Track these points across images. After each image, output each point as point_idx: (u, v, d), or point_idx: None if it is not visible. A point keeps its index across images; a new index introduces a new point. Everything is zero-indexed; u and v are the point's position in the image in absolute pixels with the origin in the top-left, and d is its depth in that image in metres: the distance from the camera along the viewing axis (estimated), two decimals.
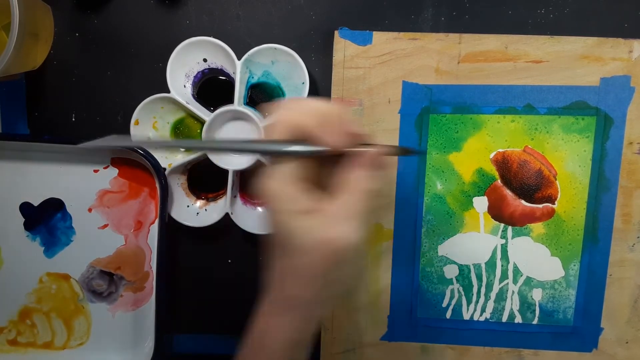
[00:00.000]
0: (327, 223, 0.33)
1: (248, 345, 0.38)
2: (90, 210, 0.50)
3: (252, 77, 0.48)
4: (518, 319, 0.50)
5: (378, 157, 0.35)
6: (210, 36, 0.47)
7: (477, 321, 0.50)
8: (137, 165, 0.50)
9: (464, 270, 0.50)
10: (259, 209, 0.50)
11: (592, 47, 0.47)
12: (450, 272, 0.50)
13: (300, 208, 0.33)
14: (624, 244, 0.49)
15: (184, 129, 0.49)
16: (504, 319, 0.50)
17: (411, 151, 0.46)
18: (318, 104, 0.34)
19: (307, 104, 0.35)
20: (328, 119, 0.34)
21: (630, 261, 0.49)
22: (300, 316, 0.35)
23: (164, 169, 0.48)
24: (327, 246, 0.32)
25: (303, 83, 0.46)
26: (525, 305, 0.50)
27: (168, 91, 0.47)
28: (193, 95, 0.49)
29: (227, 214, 0.48)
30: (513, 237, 0.49)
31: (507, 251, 0.49)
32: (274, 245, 0.34)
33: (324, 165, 0.35)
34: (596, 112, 0.47)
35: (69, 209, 0.50)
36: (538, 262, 0.49)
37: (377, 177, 0.34)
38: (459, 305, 0.50)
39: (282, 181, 0.33)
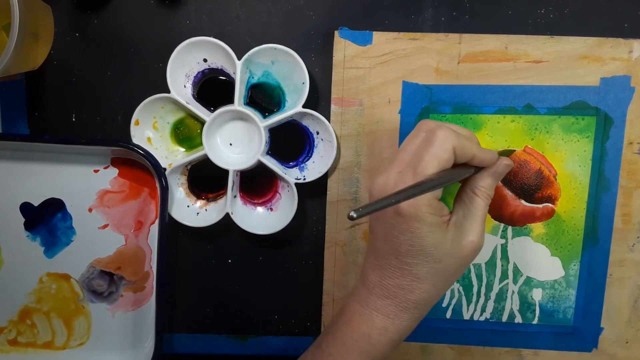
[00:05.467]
0: (465, 229, 0.38)
1: (336, 344, 0.40)
2: (90, 210, 0.50)
3: (252, 77, 0.48)
4: (518, 319, 0.50)
5: (507, 167, 0.41)
6: (210, 36, 0.47)
7: (477, 321, 0.50)
8: (138, 165, 0.50)
9: None
10: (259, 209, 0.50)
11: (592, 47, 0.47)
12: None
13: (443, 219, 0.38)
14: (624, 244, 0.49)
15: (184, 129, 0.49)
16: (504, 318, 0.50)
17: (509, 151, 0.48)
18: (462, 128, 0.39)
19: (457, 127, 0.39)
20: (477, 140, 0.40)
21: (630, 261, 0.49)
22: (417, 316, 0.40)
23: (164, 169, 0.48)
24: (465, 252, 0.38)
25: (303, 83, 0.46)
26: (525, 305, 0.50)
27: (168, 91, 0.47)
28: (193, 95, 0.49)
29: (227, 214, 0.48)
30: (513, 237, 0.49)
31: (507, 251, 0.49)
32: (403, 255, 0.38)
33: None
34: (596, 112, 0.47)
35: (69, 209, 0.50)
36: (538, 262, 0.49)
37: (495, 184, 0.41)
38: (459, 305, 0.50)
39: (432, 198, 0.37)
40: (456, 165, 0.38)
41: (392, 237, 0.38)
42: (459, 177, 0.38)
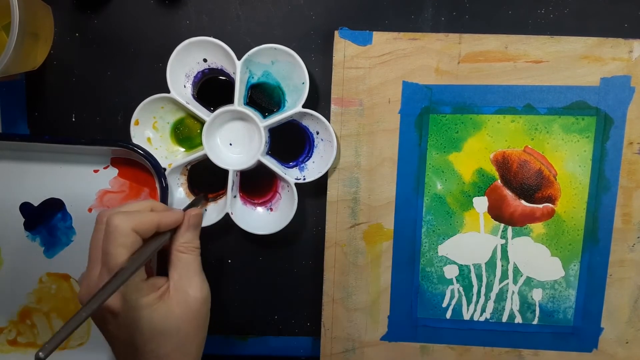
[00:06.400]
0: (185, 290, 0.39)
1: None
2: (90, 210, 0.50)
3: (252, 77, 0.48)
4: (518, 319, 0.50)
5: (197, 216, 0.41)
6: (210, 36, 0.47)
7: (477, 321, 0.50)
8: (137, 165, 0.50)
9: (464, 271, 0.50)
10: (259, 209, 0.50)
11: (592, 47, 0.47)
12: (450, 272, 0.50)
13: (160, 293, 0.38)
14: (624, 244, 0.49)
15: (184, 129, 0.49)
16: (504, 319, 0.50)
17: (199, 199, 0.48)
18: (136, 204, 0.39)
19: (130, 206, 0.39)
20: (157, 207, 0.40)
21: (630, 261, 0.49)
22: None
23: (164, 169, 0.48)
24: (195, 308, 0.38)
25: (303, 83, 0.46)
26: (525, 305, 0.50)
27: (168, 91, 0.47)
28: (193, 95, 0.49)
29: (227, 214, 0.48)
30: (513, 237, 0.49)
31: (507, 251, 0.49)
32: (142, 345, 0.37)
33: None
34: (596, 112, 0.47)
35: (69, 209, 0.50)
36: (538, 262, 0.49)
37: (198, 235, 0.41)
38: (459, 305, 0.50)
39: (134, 284, 0.36)
40: (149, 240, 0.38)
41: (124, 336, 0.37)
42: (156, 248, 0.38)
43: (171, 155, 0.49)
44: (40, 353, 0.29)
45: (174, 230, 0.40)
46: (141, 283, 0.37)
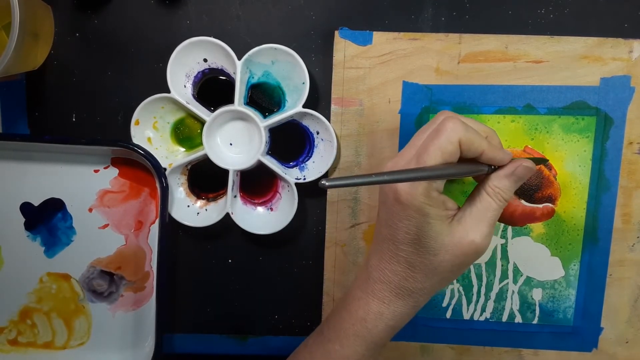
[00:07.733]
0: (467, 227, 0.38)
1: (335, 329, 0.41)
2: (90, 210, 0.50)
3: (252, 77, 0.48)
4: (518, 319, 0.50)
5: (527, 169, 0.39)
6: (210, 36, 0.47)
7: (477, 321, 0.50)
8: (138, 165, 0.50)
9: None
10: (259, 209, 0.50)
11: (592, 47, 0.47)
12: None
13: (446, 213, 0.38)
14: (624, 244, 0.49)
15: (184, 129, 0.49)
16: (504, 318, 0.50)
17: (542, 160, 0.46)
18: (478, 124, 0.39)
19: (471, 121, 0.39)
20: (492, 139, 0.39)
21: (630, 261, 0.49)
22: (412, 304, 0.39)
23: (164, 169, 0.48)
24: (463, 250, 0.37)
25: (303, 83, 0.46)
26: (525, 305, 0.50)
27: (168, 91, 0.47)
28: (193, 95, 0.49)
29: (227, 214, 0.48)
30: (513, 237, 0.49)
31: (507, 251, 0.49)
32: (399, 242, 0.38)
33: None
34: (596, 112, 0.47)
35: (69, 209, 0.50)
36: (538, 262, 0.49)
37: (514, 188, 0.39)
38: (459, 305, 0.50)
39: (431, 189, 0.37)
40: (466, 160, 0.38)
41: (391, 223, 0.38)
42: (466, 173, 0.38)
43: (171, 155, 0.49)
44: (324, 181, 0.29)
45: (494, 169, 0.39)
46: (434, 192, 0.37)
